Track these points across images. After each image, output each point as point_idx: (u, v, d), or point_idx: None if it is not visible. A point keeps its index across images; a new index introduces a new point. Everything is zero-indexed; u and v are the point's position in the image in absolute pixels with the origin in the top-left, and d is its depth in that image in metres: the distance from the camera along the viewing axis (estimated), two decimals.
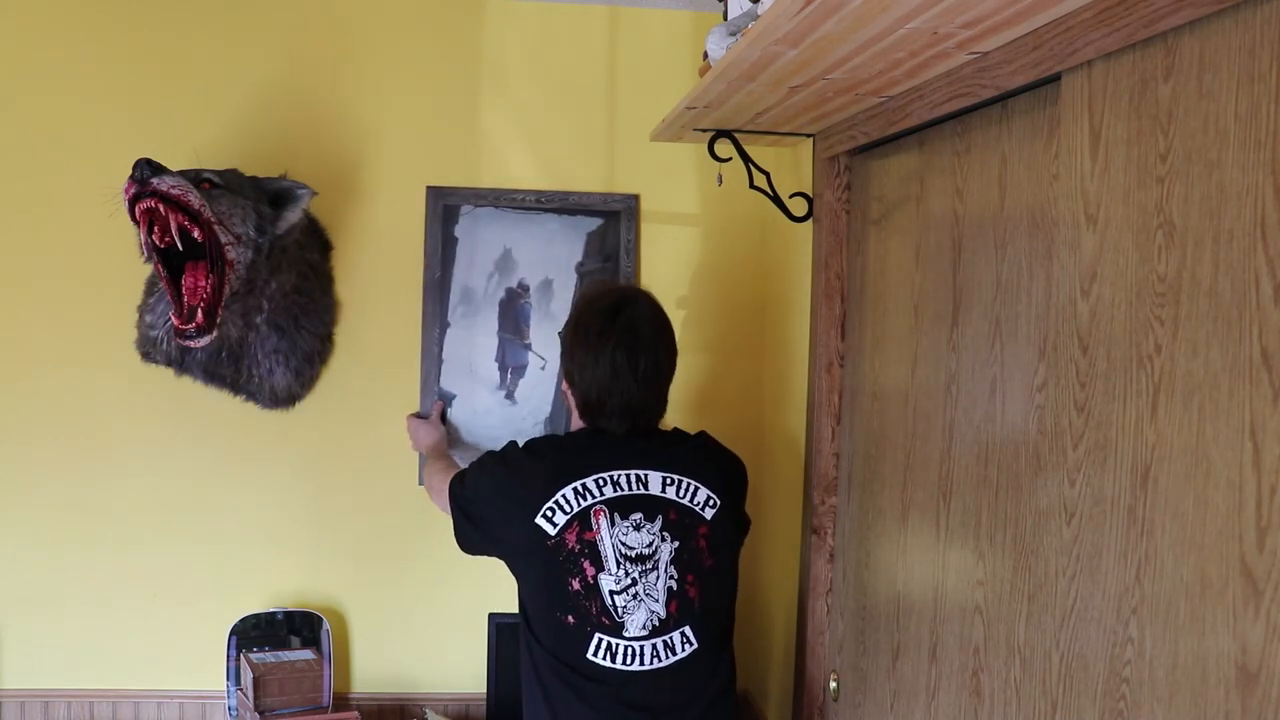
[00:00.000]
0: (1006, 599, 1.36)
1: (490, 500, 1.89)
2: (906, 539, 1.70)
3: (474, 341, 2.51)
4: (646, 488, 1.83)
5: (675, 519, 1.83)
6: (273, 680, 2.30)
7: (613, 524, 1.80)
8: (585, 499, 1.80)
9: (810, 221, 2.15)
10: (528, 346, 2.51)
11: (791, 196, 2.18)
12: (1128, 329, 1.09)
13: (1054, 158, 1.27)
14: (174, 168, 1.98)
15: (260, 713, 2.29)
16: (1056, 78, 1.24)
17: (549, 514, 1.80)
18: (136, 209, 1.91)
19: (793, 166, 2.33)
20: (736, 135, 2.11)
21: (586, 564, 1.78)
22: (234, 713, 2.40)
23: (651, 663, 1.78)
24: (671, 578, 1.81)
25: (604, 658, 1.77)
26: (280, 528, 2.49)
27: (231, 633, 2.39)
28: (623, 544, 1.79)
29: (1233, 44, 0.94)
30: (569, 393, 1.93)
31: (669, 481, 1.84)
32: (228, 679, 2.40)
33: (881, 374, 1.84)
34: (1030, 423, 1.32)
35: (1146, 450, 1.06)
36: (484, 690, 2.46)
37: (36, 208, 2.39)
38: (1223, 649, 0.94)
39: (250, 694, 2.31)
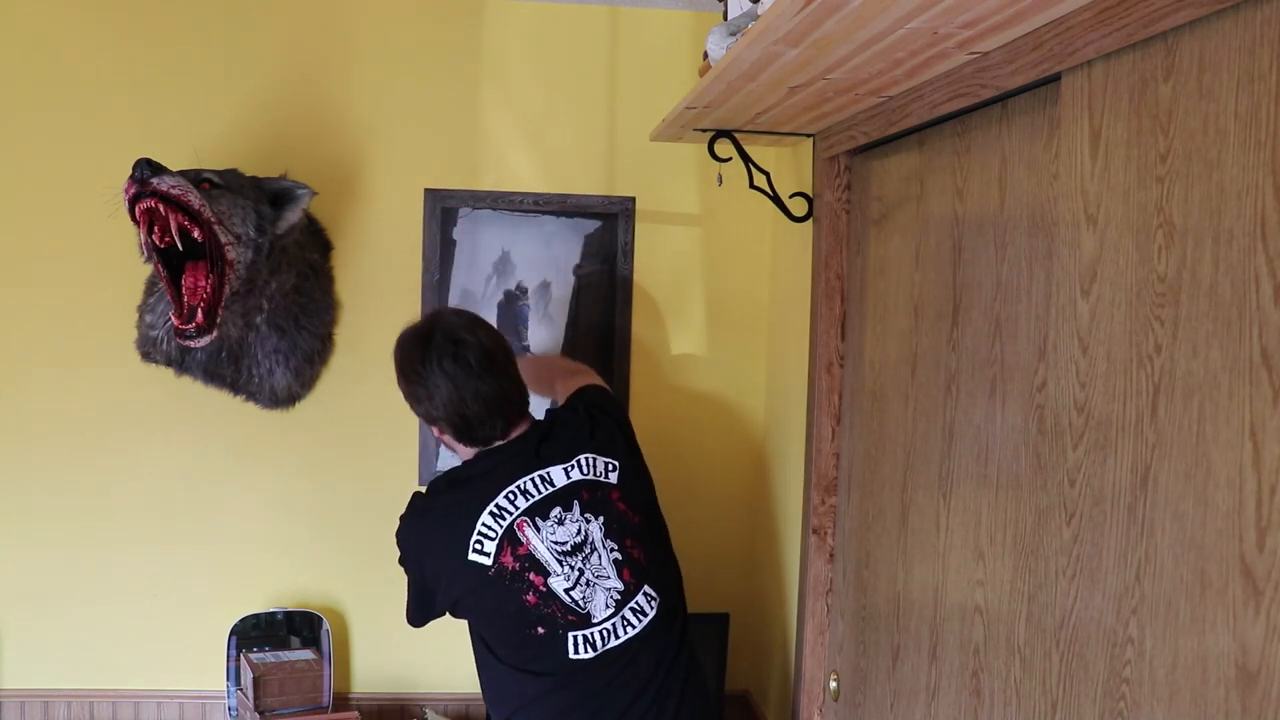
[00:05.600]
0: (1006, 599, 1.36)
1: (420, 561, 1.88)
2: (906, 539, 1.70)
3: None
4: (553, 484, 1.84)
5: (589, 497, 1.84)
6: (273, 680, 2.30)
7: (538, 530, 1.80)
8: (505, 518, 1.81)
9: (810, 221, 2.15)
10: (526, 348, 2.51)
11: (791, 196, 2.18)
12: (1128, 329, 1.09)
13: (1054, 158, 1.27)
14: (174, 168, 1.98)
15: (260, 713, 2.29)
16: (1056, 78, 1.24)
17: (478, 546, 1.80)
18: (136, 209, 1.91)
19: (793, 166, 2.33)
20: (736, 135, 2.11)
21: (533, 576, 1.79)
22: (234, 713, 2.40)
23: (627, 631, 1.81)
24: (613, 550, 1.82)
25: (585, 651, 1.79)
26: (280, 528, 2.49)
27: (231, 633, 2.39)
28: (555, 543, 1.80)
29: (1233, 44, 0.94)
30: (443, 435, 1.91)
31: (570, 468, 1.86)
32: (228, 679, 2.40)
33: (881, 374, 1.84)
34: (1030, 423, 1.32)
35: (1146, 450, 1.06)
36: None
37: (37, 208, 2.40)
38: (1223, 649, 0.94)
39: (250, 694, 2.31)
